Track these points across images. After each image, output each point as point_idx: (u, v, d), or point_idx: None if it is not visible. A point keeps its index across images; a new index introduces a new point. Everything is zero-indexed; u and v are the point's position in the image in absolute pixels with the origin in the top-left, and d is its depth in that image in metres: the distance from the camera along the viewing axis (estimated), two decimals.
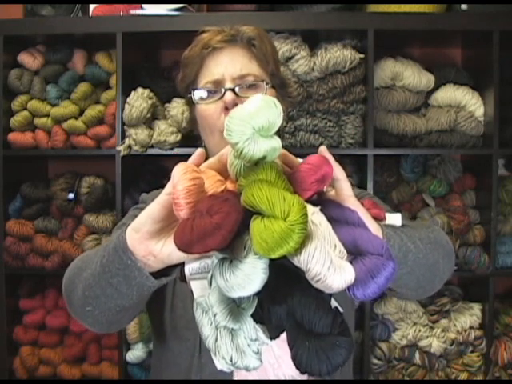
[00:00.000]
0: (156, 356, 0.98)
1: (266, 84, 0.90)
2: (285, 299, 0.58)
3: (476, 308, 1.71)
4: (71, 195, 1.77)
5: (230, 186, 0.59)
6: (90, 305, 0.71)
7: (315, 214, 0.55)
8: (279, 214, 0.49)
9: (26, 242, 1.80)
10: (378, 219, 0.71)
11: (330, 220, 0.57)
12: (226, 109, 0.87)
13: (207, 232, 0.50)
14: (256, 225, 0.50)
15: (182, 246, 0.52)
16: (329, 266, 0.50)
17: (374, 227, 0.65)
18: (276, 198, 0.50)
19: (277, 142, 0.53)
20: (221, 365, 0.57)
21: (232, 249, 0.54)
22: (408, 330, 1.70)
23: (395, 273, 0.54)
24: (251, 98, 0.53)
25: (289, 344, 0.58)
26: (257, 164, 0.54)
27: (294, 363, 0.57)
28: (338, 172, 0.64)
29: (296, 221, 0.49)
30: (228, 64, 0.89)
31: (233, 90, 0.87)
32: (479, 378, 1.70)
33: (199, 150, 0.63)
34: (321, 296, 0.55)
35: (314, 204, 0.57)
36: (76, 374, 1.82)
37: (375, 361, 1.70)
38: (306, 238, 0.51)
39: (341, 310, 0.59)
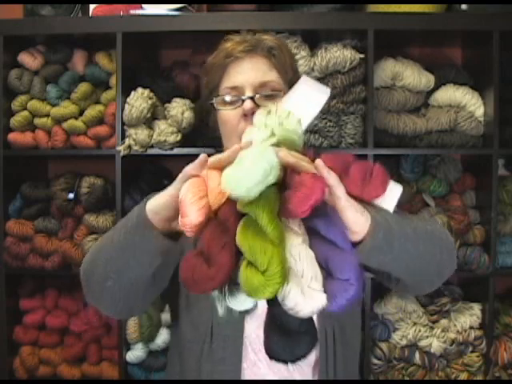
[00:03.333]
0: (172, 342, 1.05)
1: (283, 93, 0.92)
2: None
3: (476, 308, 1.71)
4: (71, 195, 1.77)
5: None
6: (111, 279, 0.79)
7: (295, 247, 0.63)
8: (259, 266, 0.58)
9: (26, 242, 1.80)
10: (376, 195, 0.77)
11: (314, 231, 0.67)
12: (245, 116, 0.91)
13: (204, 281, 0.61)
14: (242, 271, 0.60)
15: (186, 286, 0.63)
16: (301, 302, 0.60)
17: (362, 220, 0.71)
18: (257, 250, 0.59)
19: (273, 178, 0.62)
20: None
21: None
22: (408, 330, 1.70)
23: (358, 296, 0.63)
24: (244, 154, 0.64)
25: (264, 332, 0.70)
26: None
27: (265, 349, 0.69)
28: (331, 179, 0.69)
29: (273, 275, 0.58)
30: (248, 73, 0.93)
31: (252, 98, 0.91)
32: (479, 377, 1.70)
33: (202, 157, 0.70)
34: None
35: None
36: (76, 374, 1.82)
37: (375, 361, 1.70)
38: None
39: None
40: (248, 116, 0.90)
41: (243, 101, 0.91)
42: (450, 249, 0.87)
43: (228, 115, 0.94)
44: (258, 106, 0.90)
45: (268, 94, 0.92)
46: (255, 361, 0.90)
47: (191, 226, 0.62)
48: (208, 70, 1.00)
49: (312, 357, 0.91)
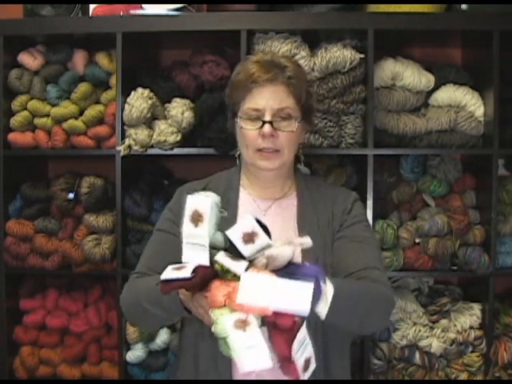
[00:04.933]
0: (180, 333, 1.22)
1: (296, 120, 1.10)
2: None
3: (476, 308, 1.71)
4: (71, 195, 1.77)
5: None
6: (147, 320, 1.09)
7: None
8: None
9: (26, 242, 1.80)
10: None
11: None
12: (263, 135, 1.07)
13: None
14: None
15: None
16: None
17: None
18: None
19: None
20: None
21: None
22: (408, 330, 1.70)
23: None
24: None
25: None
26: None
27: None
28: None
29: None
30: (269, 98, 1.08)
31: (270, 122, 1.07)
32: (479, 377, 1.70)
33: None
34: None
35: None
36: (76, 374, 1.82)
37: (375, 361, 1.70)
38: None
39: None
40: (266, 137, 1.07)
41: (263, 123, 1.07)
42: (382, 306, 1.02)
43: (248, 133, 1.09)
44: (275, 129, 1.07)
45: (284, 117, 1.09)
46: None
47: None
48: (233, 87, 1.14)
49: None
